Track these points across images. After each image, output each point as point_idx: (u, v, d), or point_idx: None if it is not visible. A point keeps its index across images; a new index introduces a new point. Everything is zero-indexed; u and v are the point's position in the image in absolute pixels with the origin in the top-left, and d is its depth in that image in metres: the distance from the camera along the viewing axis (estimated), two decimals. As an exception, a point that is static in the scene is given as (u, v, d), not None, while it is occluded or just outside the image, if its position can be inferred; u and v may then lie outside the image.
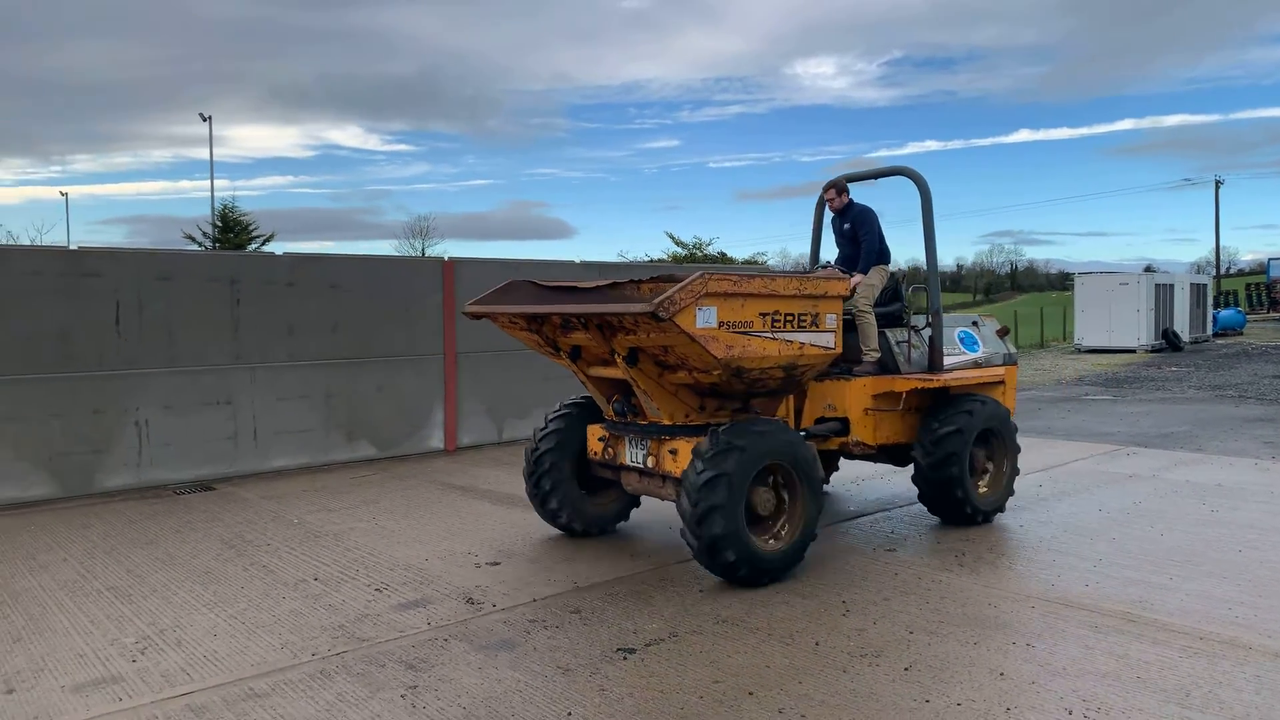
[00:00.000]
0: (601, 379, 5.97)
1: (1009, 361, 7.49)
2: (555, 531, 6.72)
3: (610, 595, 5.30)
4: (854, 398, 6.55)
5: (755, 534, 5.34)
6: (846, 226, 7.15)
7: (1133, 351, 26.30)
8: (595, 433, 6.24)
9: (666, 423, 5.62)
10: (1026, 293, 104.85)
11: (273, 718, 3.76)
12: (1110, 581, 5.42)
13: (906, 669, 4.17)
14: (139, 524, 7.25)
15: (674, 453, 5.61)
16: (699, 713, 3.76)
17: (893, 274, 7.14)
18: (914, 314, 7.13)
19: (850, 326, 6.69)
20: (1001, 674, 4.10)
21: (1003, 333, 7.63)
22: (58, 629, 4.87)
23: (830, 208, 7.27)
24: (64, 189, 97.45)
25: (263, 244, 36.91)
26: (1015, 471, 6.93)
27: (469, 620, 4.89)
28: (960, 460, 6.39)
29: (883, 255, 7.05)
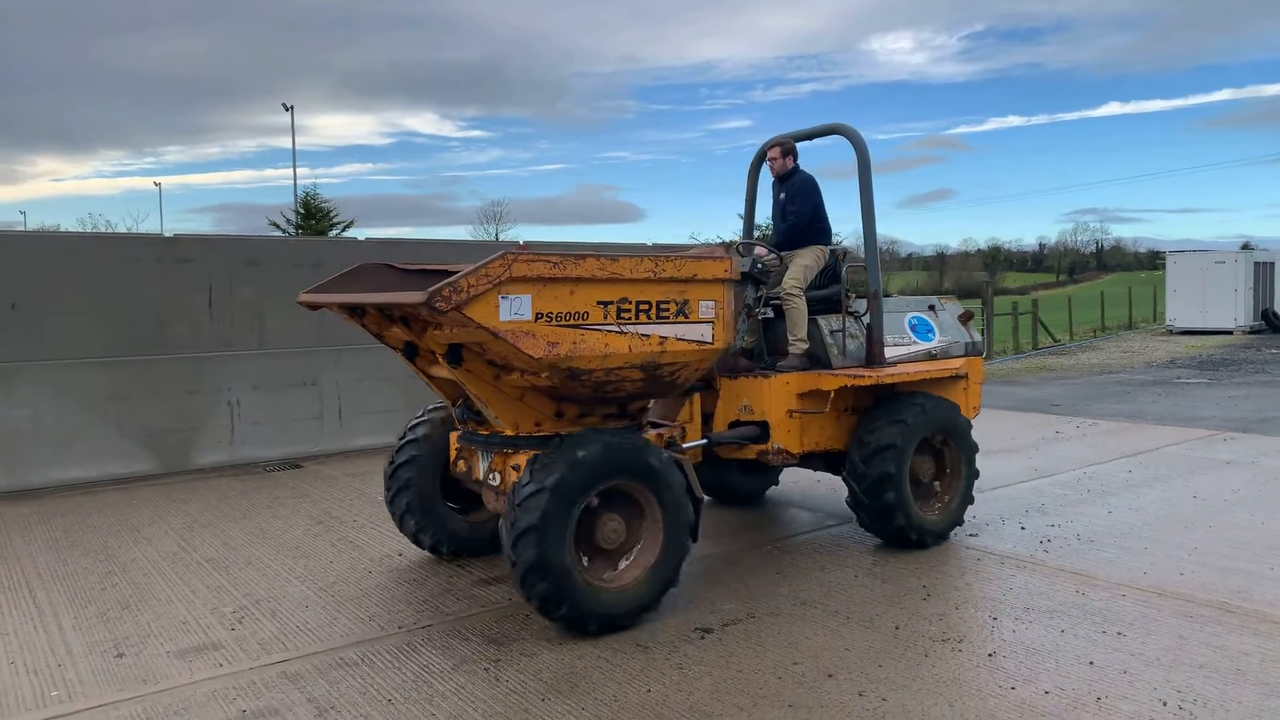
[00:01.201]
0: (443, 380, 5.03)
1: (972, 352, 6.52)
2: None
3: (686, 575, 5.30)
4: (774, 397, 5.60)
5: (599, 572, 4.47)
6: (783, 196, 6.25)
7: (1229, 333, 25.12)
8: (454, 441, 5.35)
9: (509, 433, 4.73)
10: (1113, 272, 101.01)
11: (363, 686, 3.89)
12: (1207, 570, 5.22)
13: (990, 655, 4.09)
14: (232, 500, 7.57)
15: (518, 469, 4.68)
16: (777, 693, 3.76)
17: (832, 251, 6.23)
18: (857, 298, 6.19)
19: (781, 313, 5.97)
20: (1091, 663, 3.99)
21: (965, 318, 6.66)
22: (162, 597, 5.12)
23: (771, 169, 6.33)
24: (157, 179, 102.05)
25: (343, 230, 37.87)
26: (973, 479, 5.93)
27: (548, 597, 4.96)
28: (897, 482, 5.44)
29: (821, 233, 6.15)
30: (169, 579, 5.46)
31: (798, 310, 5.83)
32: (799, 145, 6.38)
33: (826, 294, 6.09)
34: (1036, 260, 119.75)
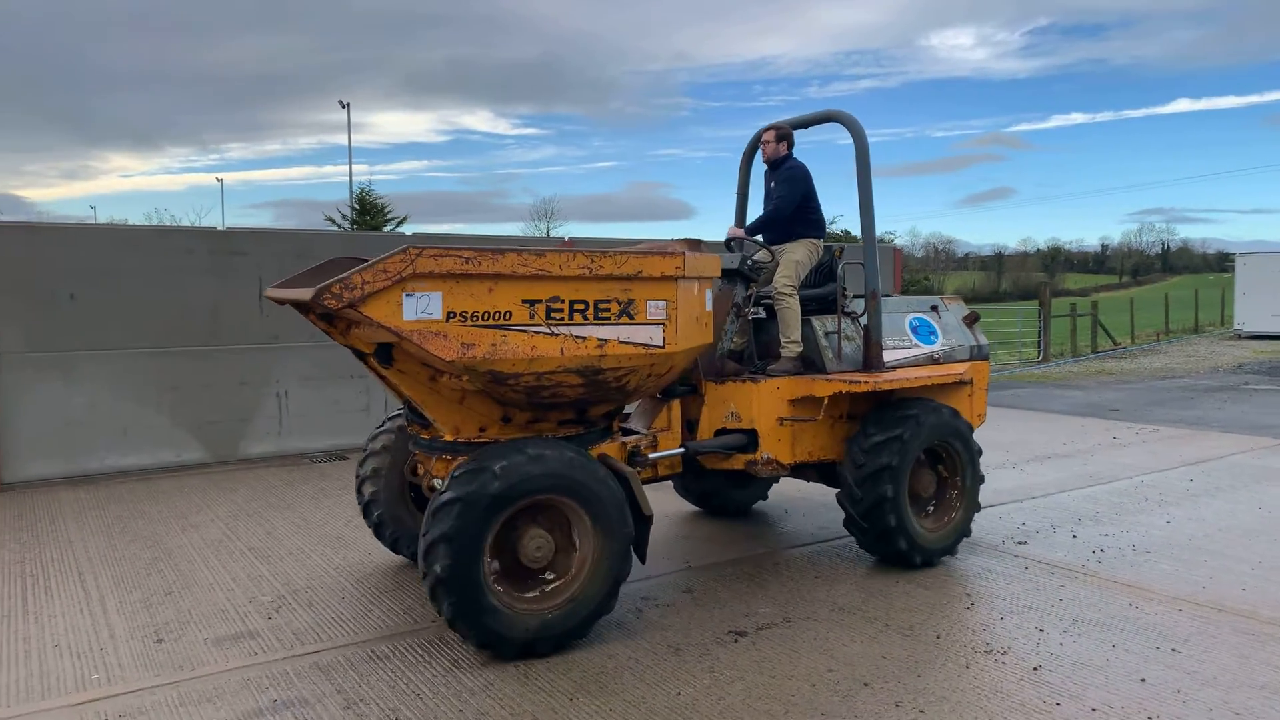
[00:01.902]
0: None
1: (978, 356, 6.06)
2: (670, 510, 6.70)
3: (723, 576, 5.24)
4: (763, 403, 5.25)
5: (521, 591, 4.12)
6: (773, 185, 5.84)
7: (1302, 338, 24.13)
8: None
9: (449, 438, 4.38)
10: (1179, 274, 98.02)
11: (392, 680, 3.89)
12: (1271, 586, 4.97)
13: (1036, 669, 3.94)
14: (278, 490, 7.68)
15: None
16: (811, 701, 3.66)
17: (828, 248, 5.83)
18: (854, 298, 5.76)
19: (773, 313, 5.62)
20: (1143, 680, 3.82)
21: (971, 320, 6.19)
22: (203, 584, 5.20)
23: (763, 153, 5.91)
24: (220, 175, 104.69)
25: (397, 226, 38.44)
26: (976, 496, 5.53)
27: (582, 595, 4.92)
28: (895, 500, 5.06)
29: (813, 225, 5.75)
30: (212, 566, 5.54)
31: (789, 310, 5.46)
32: (796, 135, 6.03)
33: (822, 293, 5.71)
34: (1098, 262, 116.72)
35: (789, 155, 5.88)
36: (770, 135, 5.87)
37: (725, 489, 6.52)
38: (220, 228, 9.39)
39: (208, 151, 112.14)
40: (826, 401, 5.23)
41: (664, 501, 6.67)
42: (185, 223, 47.74)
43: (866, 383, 5.15)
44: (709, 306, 4.66)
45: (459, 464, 4.05)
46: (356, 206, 38.27)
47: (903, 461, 5.09)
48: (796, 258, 5.61)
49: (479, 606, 3.91)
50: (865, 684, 3.81)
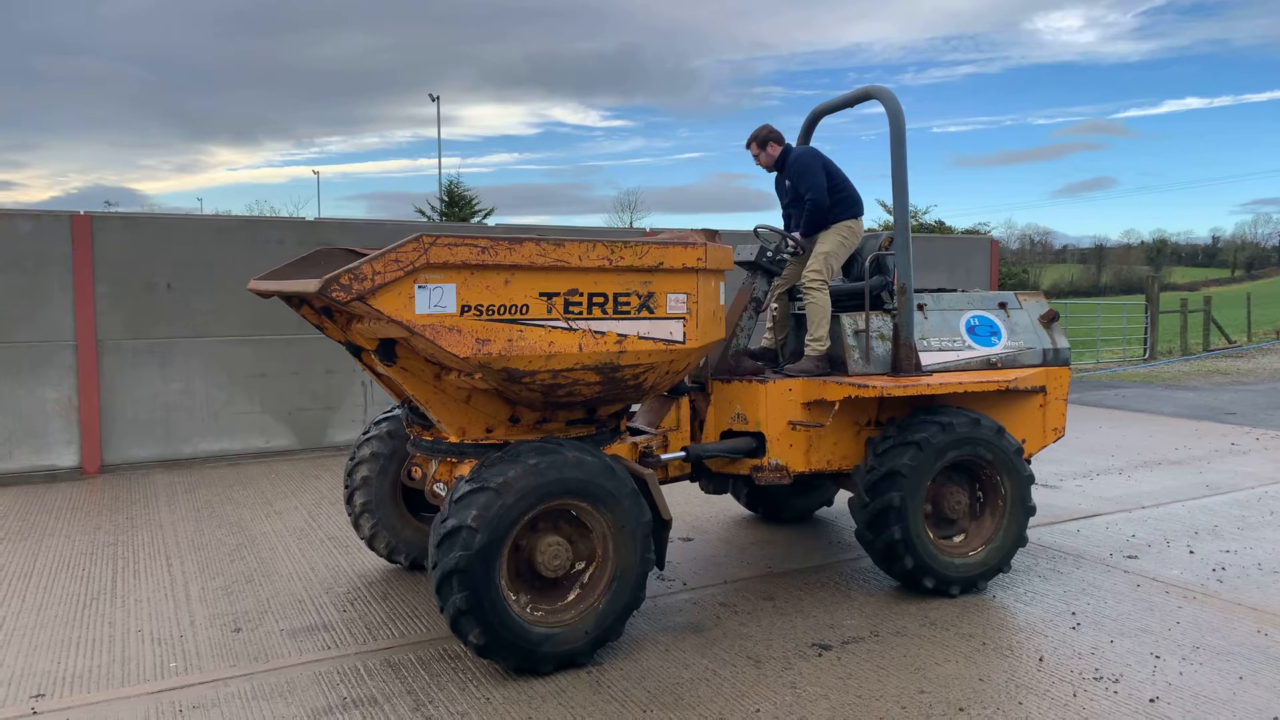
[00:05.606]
0: (391, 378, 4.48)
1: (1055, 361, 5.32)
2: (749, 512, 6.48)
3: (807, 584, 5.01)
4: (773, 406, 4.83)
5: (541, 604, 3.90)
6: (788, 183, 5.50)
7: None
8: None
9: (454, 439, 4.16)
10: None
11: (462, 682, 3.80)
12: None
13: (1152, 701, 3.60)
14: (361, 478, 7.74)
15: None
16: (901, 725, 3.41)
17: (873, 234, 5.44)
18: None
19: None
20: (1275, 719, 3.44)
21: (1048, 319, 5.43)
22: (283, 573, 5.23)
23: (760, 165, 5.58)
24: (317, 168, 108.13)
25: (484, 218, 38.94)
26: (1019, 526, 4.87)
27: (657, 598, 4.76)
28: (902, 510, 4.54)
29: (843, 204, 5.32)
30: (293, 555, 5.58)
31: (814, 305, 5.11)
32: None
33: (856, 288, 5.22)
34: (1209, 254, 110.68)
35: (785, 149, 5.55)
36: (753, 148, 5.54)
37: (783, 494, 6.14)
38: (309, 218, 9.54)
39: (306, 146, 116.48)
40: (837, 406, 4.80)
41: (737, 505, 6.45)
42: (284, 214, 49.38)
43: (875, 387, 4.59)
44: (723, 300, 4.46)
45: (462, 479, 3.80)
46: (445, 199, 38.91)
47: (917, 469, 4.58)
48: (825, 249, 5.26)
49: (509, 627, 3.70)
50: (961, 709, 3.53)
